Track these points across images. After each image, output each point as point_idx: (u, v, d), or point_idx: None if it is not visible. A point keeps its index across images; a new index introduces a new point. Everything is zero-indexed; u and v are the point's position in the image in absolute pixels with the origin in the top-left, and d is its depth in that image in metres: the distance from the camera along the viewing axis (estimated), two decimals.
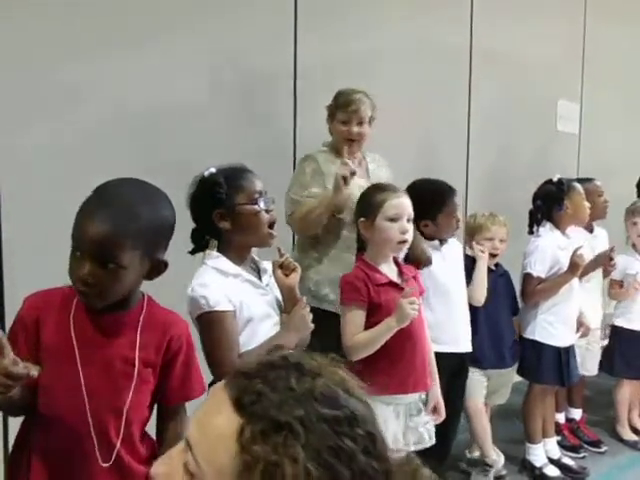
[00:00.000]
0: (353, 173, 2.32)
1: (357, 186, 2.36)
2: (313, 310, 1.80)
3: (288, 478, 0.57)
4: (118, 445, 1.29)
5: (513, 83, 4.07)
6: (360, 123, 2.58)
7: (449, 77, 3.74)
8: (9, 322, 1.37)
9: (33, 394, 1.29)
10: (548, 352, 2.88)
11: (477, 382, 2.81)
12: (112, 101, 2.54)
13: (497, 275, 2.86)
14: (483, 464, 2.85)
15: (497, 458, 2.85)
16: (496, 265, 2.86)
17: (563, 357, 2.89)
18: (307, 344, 1.84)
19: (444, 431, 2.27)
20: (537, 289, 2.86)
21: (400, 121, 3.16)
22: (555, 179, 2.93)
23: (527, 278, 2.88)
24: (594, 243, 3.24)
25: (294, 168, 3.08)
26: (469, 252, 2.88)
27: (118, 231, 1.21)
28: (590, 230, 3.31)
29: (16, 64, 2.28)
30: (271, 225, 1.73)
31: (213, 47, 2.82)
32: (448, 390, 2.45)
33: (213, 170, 1.72)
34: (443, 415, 2.18)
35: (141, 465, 1.33)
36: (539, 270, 2.85)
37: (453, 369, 2.52)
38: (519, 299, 2.98)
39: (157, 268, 1.32)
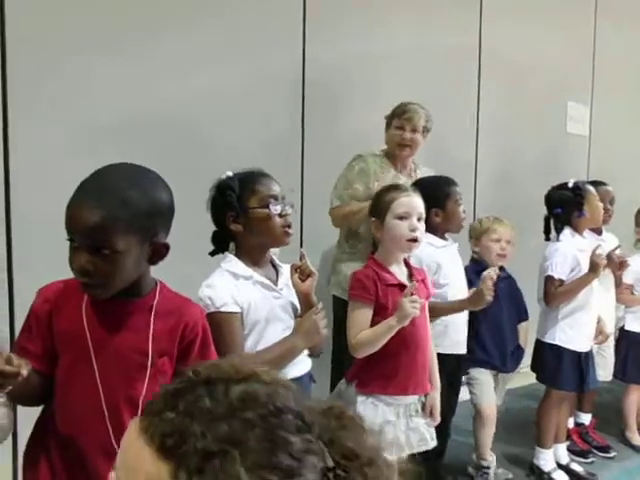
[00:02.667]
0: None
1: None
2: (342, 301, 1.80)
3: None
4: None
5: (523, 85, 4.05)
6: (413, 130, 2.77)
7: (458, 79, 3.73)
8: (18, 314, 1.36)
9: (51, 384, 1.30)
10: (568, 357, 2.84)
11: (488, 384, 2.80)
12: (119, 100, 2.54)
13: (500, 279, 2.82)
14: (482, 467, 2.85)
15: (491, 459, 2.86)
16: (500, 268, 2.82)
17: (583, 362, 2.85)
18: (320, 351, 1.84)
19: (442, 428, 2.28)
20: (559, 291, 2.82)
21: None
22: (571, 184, 2.88)
23: (548, 281, 2.84)
24: (604, 246, 3.21)
25: (302, 168, 3.08)
26: (474, 255, 2.87)
27: (107, 215, 1.18)
28: (599, 233, 3.28)
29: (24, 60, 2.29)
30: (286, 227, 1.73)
31: (219, 48, 2.82)
32: (446, 389, 2.45)
33: (230, 174, 1.74)
34: (438, 420, 2.18)
35: None
36: (560, 272, 2.81)
37: (451, 369, 2.53)
38: (539, 302, 2.93)
39: (159, 252, 1.29)
